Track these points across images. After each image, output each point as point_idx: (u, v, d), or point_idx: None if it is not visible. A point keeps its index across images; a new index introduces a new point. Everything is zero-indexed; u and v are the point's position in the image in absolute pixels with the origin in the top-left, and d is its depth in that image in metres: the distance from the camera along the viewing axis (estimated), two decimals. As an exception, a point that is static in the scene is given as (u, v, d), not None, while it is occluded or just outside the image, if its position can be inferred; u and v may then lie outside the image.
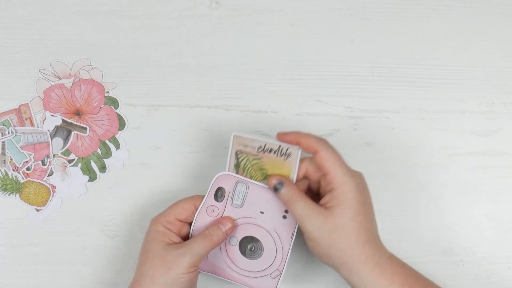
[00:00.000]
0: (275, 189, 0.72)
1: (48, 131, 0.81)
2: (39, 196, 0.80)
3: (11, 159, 0.80)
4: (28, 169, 0.80)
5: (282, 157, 0.73)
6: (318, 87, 0.82)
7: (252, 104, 0.82)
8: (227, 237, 0.74)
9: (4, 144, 0.80)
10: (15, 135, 0.80)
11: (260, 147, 0.73)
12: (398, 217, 0.82)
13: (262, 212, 0.74)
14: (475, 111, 0.82)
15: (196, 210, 0.74)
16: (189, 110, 0.82)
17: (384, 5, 0.83)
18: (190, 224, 0.75)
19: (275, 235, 0.74)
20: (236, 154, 0.73)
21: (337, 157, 0.70)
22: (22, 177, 0.80)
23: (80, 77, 0.81)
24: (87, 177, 0.81)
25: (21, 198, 0.80)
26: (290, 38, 0.82)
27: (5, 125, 0.80)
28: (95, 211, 0.81)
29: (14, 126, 0.80)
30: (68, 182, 0.81)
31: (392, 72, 0.82)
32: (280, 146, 0.72)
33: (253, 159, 0.73)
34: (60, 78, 0.81)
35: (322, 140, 0.71)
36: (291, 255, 0.74)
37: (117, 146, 0.81)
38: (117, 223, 0.81)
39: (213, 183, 0.73)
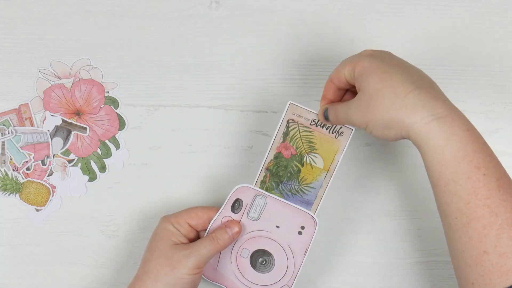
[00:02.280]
0: (326, 118, 0.72)
1: (48, 131, 0.81)
2: (39, 196, 0.80)
3: (11, 159, 0.80)
4: (28, 169, 0.80)
5: (334, 135, 0.73)
6: (318, 87, 0.82)
7: (252, 104, 0.82)
8: (233, 241, 0.74)
9: (4, 144, 0.80)
10: (15, 135, 0.80)
11: (314, 120, 0.72)
12: (398, 217, 0.82)
13: (278, 227, 0.74)
14: (475, 111, 0.82)
15: (209, 221, 0.74)
16: (189, 110, 0.82)
17: (384, 5, 0.83)
18: (198, 232, 0.75)
19: (288, 250, 0.74)
20: (288, 122, 0.73)
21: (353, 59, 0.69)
22: (22, 177, 0.80)
23: (80, 77, 0.81)
24: (87, 177, 0.81)
25: (21, 198, 0.80)
26: (290, 38, 0.82)
27: (5, 125, 0.80)
28: (95, 211, 0.81)
29: (14, 126, 0.80)
30: (68, 182, 0.81)
31: (392, 72, 0.82)
32: None
33: (304, 131, 0.73)
34: (60, 78, 0.81)
35: (359, 55, 0.69)
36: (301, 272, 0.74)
37: (117, 146, 0.81)
38: (117, 223, 0.81)
39: (231, 195, 0.73)
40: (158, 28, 0.82)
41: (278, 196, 0.74)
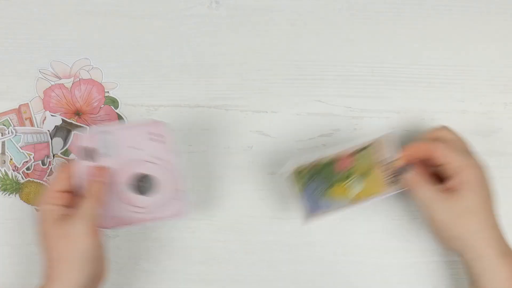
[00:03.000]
0: (403, 170, 0.73)
1: (48, 131, 0.81)
2: (39, 196, 0.80)
3: (11, 159, 0.80)
4: (28, 169, 0.80)
5: (387, 180, 0.74)
6: (318, 87, 0.82)
7: (252, 104, 0.82)
8: (107, 184, 0.71)
9: (4, 144, 0.80)
10: (15, 135, 0.80)
11: (385, 159, 0.73)
12: (398, 217, 0.82)
13: (134, 148, 0.72)
14: (476, 111, 0.82)
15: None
16: (189, 110, 0.82)
17: (384, 5, 0.83)
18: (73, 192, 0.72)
19: (156, 160, 0.73)
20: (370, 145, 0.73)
21: (457, 143, 0.72)
22: (22, 177, 0.80)
23: (80, 77, 0.81)
24: (87, 177, 0.81)
25: (21, 198, 0.80)
26: (290, 38, 0.82)
27: (5, 125, 0.80)
28: (95, 211, 0.81)
29: (14, 126, 0.80)
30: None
31: (392, 72, 0.82)
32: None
33: (371, 159, 0.73)
34: (60, 78, 0.81)
35: (434, 142, 0.72)
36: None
37: (117, 146, 0.81)
38: (117, 223, 0.81)
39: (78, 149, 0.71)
40: (158, 28, 0.82)
41: (301, 185, 0.74)
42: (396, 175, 0.73)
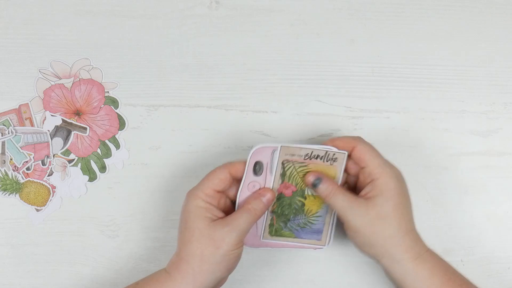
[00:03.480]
0: (314, 185, 0.73)
1: (48, 131, 0.81)
2: (39, 196, 0.80)
3: (11, 159, 0.80)
4: (28, 169, 0.80)
5: (328, 162, 0.73)
6: (318, 87, 0.82)
7: (252, 104, 0.82)
8: (268, 207, 0.74)
9: (4, 144, 0.80)
10: (15, 135, 0.80)
11: (307, 154, 0.73)
12: (398, 217, 0.82)
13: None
14: (475, 111, 0.82)
15: (232, 178, 0.73)
16: (189, 110, 0.82)
17: (384, 5, 0.83)
18: (226, 193, 0.74)
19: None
20: (283, 163, 0.73)
21: (374, 150, 0.72)
22: (22, 177, 0.80)
23: (80, 77, 0.81)
24: (87, 177, 0.81)
25: (21, 198, 0.80)
26: (290, 38, 0.82)
27: (5, 125, 0.80)
28: (95, 211, 0.81)
29: (14, 126, 0.80)
30: (68, 182, 0.81)
31: (392, 72, 0.82)
32: (327, 152, 0.72)
33: (300, 167, 0.73)
34: (60, 78, 0.81)
35: (357, 137, 0.73)
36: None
37: (117, 146, 0.81)
38: (117, 223, 0.81)
39: (250, 159, 0.73)
40: (158, 28, 0.82)
41: (289, 235, 0.76)
42: (312, 187, 0.74)
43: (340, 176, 0.74)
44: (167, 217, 0.81)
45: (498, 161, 0.82)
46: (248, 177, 0.73)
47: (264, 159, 0.73)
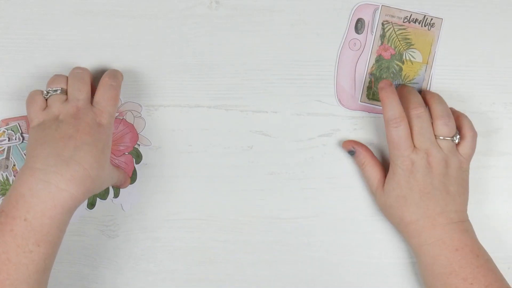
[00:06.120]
0: (350, 153, 0.79)
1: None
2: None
3: (14, 165, 0.80)
4: (29, 177, 0.80)
5: (426, 27, 0.75)
6: (318, 87, 0.82)
7: (252, 104, 0.82)
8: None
9: (10, 149, 0.80)
10: (22, 141, 0.80)
11: (406, 17, 0.75)
12: (398, 217, 0.82)
13: None
14: (475, 111, 0.82)
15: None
16: (189, 110, 0.82)
17: (384, 5, 0.83)
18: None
19: None
20: (383, 24, 0.74)
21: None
22: (22, 184, 0.80)
23: (124, 117, 0.81)
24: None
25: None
26: (290, 38, 0.82)
27: (13, 130, 0.80)
28: (95, 211, 0.81)
29: (22, 133, 0.80)
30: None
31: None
32: (425, 16, 0.75)
33: (399, 30, 0.75)
34: None
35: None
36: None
37: (119, 150, 0.81)
38: (117, 223, 0.81)
39: (352, 15, 0.74)
40: (158, 28, 0.82)
41: None
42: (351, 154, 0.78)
43: (437, 42, 0.76)
44: (167, 217, 0.81)
45: (498, 161, 0.82)
46: (350, 33, 0.74)
47: (366, 17, 0.74)
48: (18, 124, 0.80)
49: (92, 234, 0.81)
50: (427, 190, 0.73)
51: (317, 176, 0.81)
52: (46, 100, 0.74)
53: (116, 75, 0.77)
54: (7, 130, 0.80)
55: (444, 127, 0.74)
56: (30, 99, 0.74)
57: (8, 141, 0.80)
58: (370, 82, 0.78)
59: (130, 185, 0.80)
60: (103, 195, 0.80)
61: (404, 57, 0.78)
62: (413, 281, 0.81)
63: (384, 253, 0.82)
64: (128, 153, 0.80)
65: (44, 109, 0.73)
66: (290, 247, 0.82)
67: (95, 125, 0.71)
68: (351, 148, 0.79)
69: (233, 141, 0.81)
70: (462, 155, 0.75)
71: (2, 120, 0.80)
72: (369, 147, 0.81)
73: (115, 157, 0.80)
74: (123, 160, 0.80)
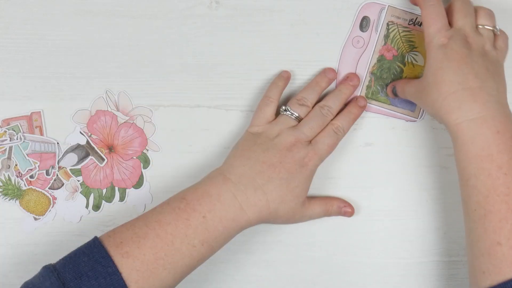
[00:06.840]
0: (395, 94, 0.78)
1: (57, 143, 0.80)
2: (39, 205, 0.80)
3: (16, 165, 0.80)
4: (31, 177, 0.80)
5: None
6: (318, 87, 0.82)
7: (252, 104, 0.82)
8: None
9: (12, 149, 0.80)
10: (23, 141, 0.80)
11: (411, 19, 0.75)
12: (398, 217, 0.82)
13: None
14: (475, 111, 0.82)
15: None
16: (189, 110, 0.82)
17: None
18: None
19: None
20: (388, 24, 0.74)
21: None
22: (24, 184, 0.80)
23: (134, 122, 0.81)
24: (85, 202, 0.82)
25: (21, 205, 0.80)
26: (290, 38, 0.82)
27: (14, 130, 0.80)
28: (95, 211, 0.81)
29: (23, 133, 0.80)
30: (69, 204, 0.81)
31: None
32: None
33: (403, 31, 0.75)
34: (117, 110, 0.81)
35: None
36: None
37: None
38: (117, 223, 0.81)
39: (358, 13, 0.74)
40: (158, 28, 0.82)
41: (384, 101, 0.78)
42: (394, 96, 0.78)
43: None
44: (167, 217, 0.82)
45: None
46: (354, 31, 0.74)
47: (372, 16, 0.74)
48: (19, 124, 0.80)
49: (92, 234, 0.81)
50: (465, 60, 0.68)
51: (317, 176, 0.81)
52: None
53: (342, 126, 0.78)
54: (8, 130, 0.80)
55: (487, 16, 0.72)
56: (264, 103, 0.78)
57: (10, 141, 0.80)
58: (370, 81, 0.78)
59: (138, 189, 0.81)
60: (109, 198, 0.81)
61: (406, 59, 0.78)
62: (413, 281, 0.82)
63: (384, 253, 0.82)
64: (136, 158, 0.81)
65: (271, 121, 0.77)
66: (290, 247, 0.82)
67: (300, 165, 0.73)
68: (392, 88, 0.78)
69: (233, 141, 0.81)
70: (499, 49, 0.73)
71: (3, 120, 0.80)
72: (369, 147, 0.82)
73: (122, 161, 0.80)
74: (130, 165, 0.80)
